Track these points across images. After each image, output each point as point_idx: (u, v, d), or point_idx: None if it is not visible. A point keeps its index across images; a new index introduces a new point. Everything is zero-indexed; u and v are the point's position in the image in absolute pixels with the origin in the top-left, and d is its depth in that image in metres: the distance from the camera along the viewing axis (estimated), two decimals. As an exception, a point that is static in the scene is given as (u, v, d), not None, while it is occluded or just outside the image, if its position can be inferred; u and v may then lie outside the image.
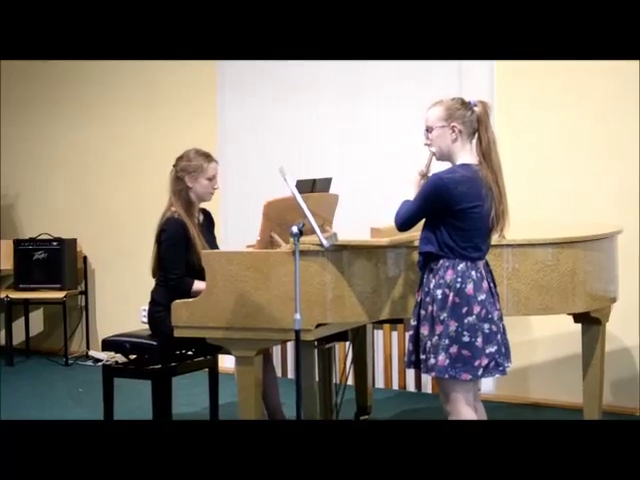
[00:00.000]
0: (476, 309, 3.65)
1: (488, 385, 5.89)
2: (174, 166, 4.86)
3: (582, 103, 5.62)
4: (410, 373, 6.20)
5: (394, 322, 5.36)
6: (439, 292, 3.68)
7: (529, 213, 5.36)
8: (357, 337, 5.15)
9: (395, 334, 6.26)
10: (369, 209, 5.95)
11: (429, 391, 6.13)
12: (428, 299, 3.72)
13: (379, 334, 6.27)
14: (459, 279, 3.66)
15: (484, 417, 3.88)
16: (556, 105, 5.69)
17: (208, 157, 4.87)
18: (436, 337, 3.68)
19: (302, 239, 3.95)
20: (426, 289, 3.75)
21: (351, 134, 6.39)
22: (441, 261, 3.70)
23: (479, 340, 3.65)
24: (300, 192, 3.98)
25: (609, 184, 5.55)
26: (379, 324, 5.73)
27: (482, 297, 3.67)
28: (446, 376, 3.67)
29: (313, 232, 3.90)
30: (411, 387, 6.29)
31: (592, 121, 5.60)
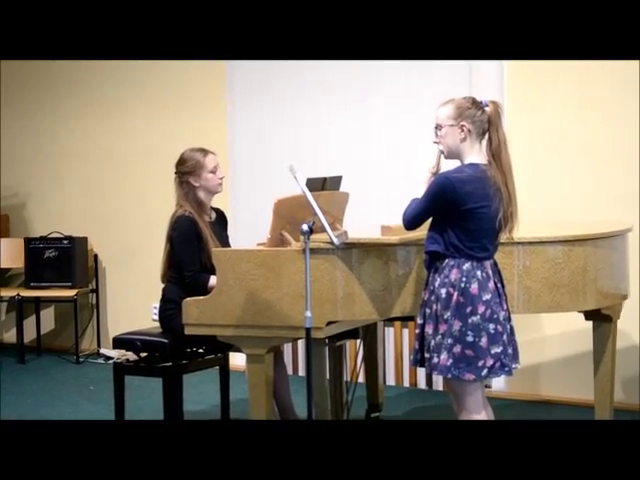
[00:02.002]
0: (481, 309, 3.64)
1: (499, 383, 5.89)
2: (175, 172, 4.87)
3: (591, 102, 5.60)
4: (421, 370, 6.19)
5: (405, 319, 5.37)
6: (443, 291, 3.68)
7: (536, 212, 5.36)
8: (368, 334, 5.15)
9: (406, 331, 6.26)
10: (379, 207, 5.95)
11: (440, 388, 6.13)
12: (433, 298, 3.72)
13: (390, 331, 6.27)
14: (464, 278, 3.65)
15: (492, 417, 3.87)
16: (566, 105, 5.67)
17: (203, 151, 4.87)
18: (439, 336, 3.68)
19: (312, 237, 3.95)
20: (431, 288, 3.74)
21: (361, 132, 6.38)
22: (447, 260, 3.69)
23: (483, 340, 3.64)
24: (310, 190, 3.98)
25: (615, 184, 5.54)
26: (390, 322, 5.74)
27: (487, 297, 3.66)
28: (449, 375, 3.67)
29: (323, 230, 3.89)
30: (422, 384, 6.29)
31: (603, 119, 5.58)
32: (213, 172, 4.84)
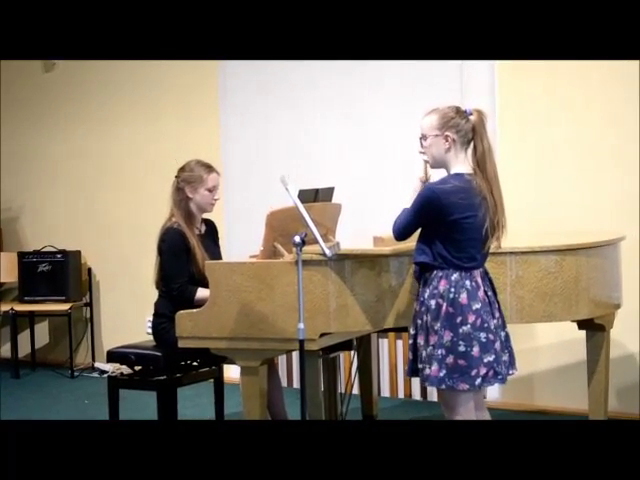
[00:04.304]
0: (471, 318, 3.65)
1: (493, 392, 5.89)
2: (176, 177, 4.89)
3: (583, 103, 5.60)
4: (415, 381, 6.18)
5: (398, 330, 5.34)
6: (433, 302, 3.68)
7: (529, 215, 5.37)
8: (362, 346, 5.15)
9: (400, 342, 6.26)
10: (372, 218, 5.95)
11: (435, 399, 6.11)
12: (423, 309, 3.73)
13: (384, 343, 6.27)
14: (452, 289, 3.66)
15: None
16: (557, 105, 5.67)
17: (209, 168, 4.88)
18: (430, 347, 3.68)
19: (305, 249, 3.95)
20: (421, 299, 3.75)
21: (354, 141, 6.38)
22: (435, 271, 3.70)
23: (475, 349, 3.64)
24: (303, 202, 3.99)
25: (610, 188, 5.53)
26: (384, 332, 5.73)
27: (477, 306, 3.66)
28: (443, 386, 3.68)
29: (316, 242, 3.90)
30: (417, 395, 6.29)
31: (594, 121, 5.57)
32: (210, 190, 4.85)
